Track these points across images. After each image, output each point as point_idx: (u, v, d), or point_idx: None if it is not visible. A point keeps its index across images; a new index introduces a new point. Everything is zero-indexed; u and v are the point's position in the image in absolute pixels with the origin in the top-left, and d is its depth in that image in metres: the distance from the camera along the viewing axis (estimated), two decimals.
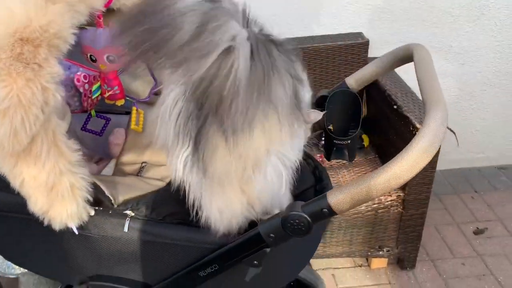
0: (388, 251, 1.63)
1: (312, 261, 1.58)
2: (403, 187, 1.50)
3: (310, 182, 0.93)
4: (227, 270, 0.76)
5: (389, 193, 1.49)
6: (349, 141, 0.98)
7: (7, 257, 1.02)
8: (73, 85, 0.97)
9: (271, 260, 0.76)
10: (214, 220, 0.74)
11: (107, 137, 1.00)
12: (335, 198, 0.65)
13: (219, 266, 0.76)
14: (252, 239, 0.72)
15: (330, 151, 1.01)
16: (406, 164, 0.60)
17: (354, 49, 1.77)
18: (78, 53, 0.90)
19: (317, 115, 0.81)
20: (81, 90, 0.98)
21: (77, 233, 0.80)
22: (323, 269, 1.73)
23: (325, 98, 0.98)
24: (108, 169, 0.99)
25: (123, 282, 0.88)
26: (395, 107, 1.54)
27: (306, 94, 0.79)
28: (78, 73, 0.98)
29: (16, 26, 0.68)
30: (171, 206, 0.82)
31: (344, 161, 1.46)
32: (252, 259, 0.73)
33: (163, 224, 0.81)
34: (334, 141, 0.99)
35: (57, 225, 0.79)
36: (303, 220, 0.67)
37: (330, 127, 0.99)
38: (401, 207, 1.52)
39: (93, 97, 0.97)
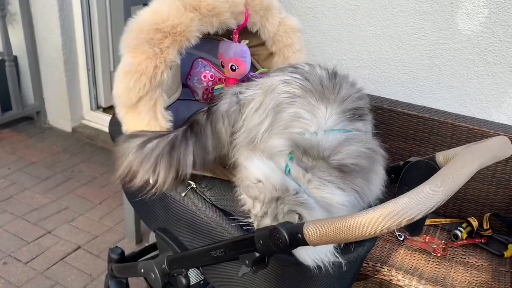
0: None
1: None
2: None
3: None
4: (228, 260, 0.88)
5: None
6: None
7: (123, 189, 1.31)
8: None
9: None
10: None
11: None
12: (308, 228, 0.69)
13: (224, 252, 0.87)
14: (248, 239, 0.80)
15: None
16: (379, 216, 0.61)
17: None
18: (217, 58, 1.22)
19: None
20: (204, 84, 1.26)
21: (151, 182, 0.98)
22: None
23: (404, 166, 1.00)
24: None
25: (176, 241, 1.07)
26: None
27: None
28: (207, 72, 1.25)
29: (158, 19, 0.95)
30: (224, 196, 0.98)
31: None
32: (245, 257, 0.81)
33: (208, 204, 0.98)
34: None
35: None
36: (282, 237, 0.72)
37: None
38: None
39: (214, 93, 1.25)
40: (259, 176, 0.84)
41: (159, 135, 0.98)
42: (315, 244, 0.70)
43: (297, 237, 0.70)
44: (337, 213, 0.82)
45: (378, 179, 0.93)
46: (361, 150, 0.87)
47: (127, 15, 2.27)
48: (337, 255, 0.85)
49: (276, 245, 0.73)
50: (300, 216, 0.80)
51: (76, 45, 2.99)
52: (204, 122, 1.02)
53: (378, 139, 0.98)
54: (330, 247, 0.84)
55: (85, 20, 2.92)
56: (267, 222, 0.83)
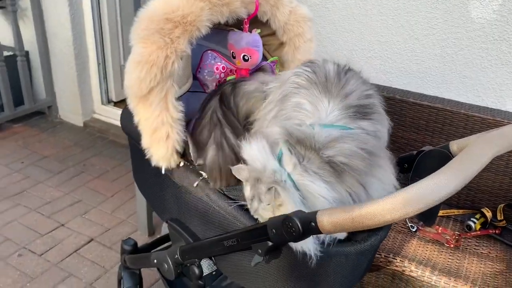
0: None
1: None
2: None
3: None
4: (241, 250, 0.88)
5: None
6: None
7: (135, 180, 1.35)
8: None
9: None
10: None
11: None
12: (321, 217, 0.68)
13: (237, 242, 0.86)
14: (260, 228, 0.79)
15: None
16: (391, 204, 0.61)
17: None
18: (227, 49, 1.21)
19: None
20: (217, 76, 1.23)
21: (163, 172, 1.03)
22: None
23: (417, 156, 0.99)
24: None
25: (188, 232, 1.07)
26: None
27: None
28: (219, 64, 1.23)
29: (168, 9, 0.95)
30: (236, 186, 0.98)
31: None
32: (258, 246, 0.80)
33: (220, 194, 0.98)
34: None
35: (153, 162, 1.02)
36: (295, 225, 0.71)
37: None
38: None
39: None
40: (247, 158, 0.84)
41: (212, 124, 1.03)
42: (328, 233, 0.70)
43: (310, 226, 0.70)
44: (318, 204, 0.79)
45: (378, 184, 0.88)
46: (354, 150, 0.83)
47: (137, 8, 2.28)
48: (317, 247, 0.83)
49: (289, 234, 0.72)
50: (276, 191, 0.79)
51: (87, 40, 3.01)
52: (229, 94, 1.06)
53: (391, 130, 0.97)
54: (311, 238, 0.82)
55: (95, 14, 2.93)
56: (255, 205, 0.83)
